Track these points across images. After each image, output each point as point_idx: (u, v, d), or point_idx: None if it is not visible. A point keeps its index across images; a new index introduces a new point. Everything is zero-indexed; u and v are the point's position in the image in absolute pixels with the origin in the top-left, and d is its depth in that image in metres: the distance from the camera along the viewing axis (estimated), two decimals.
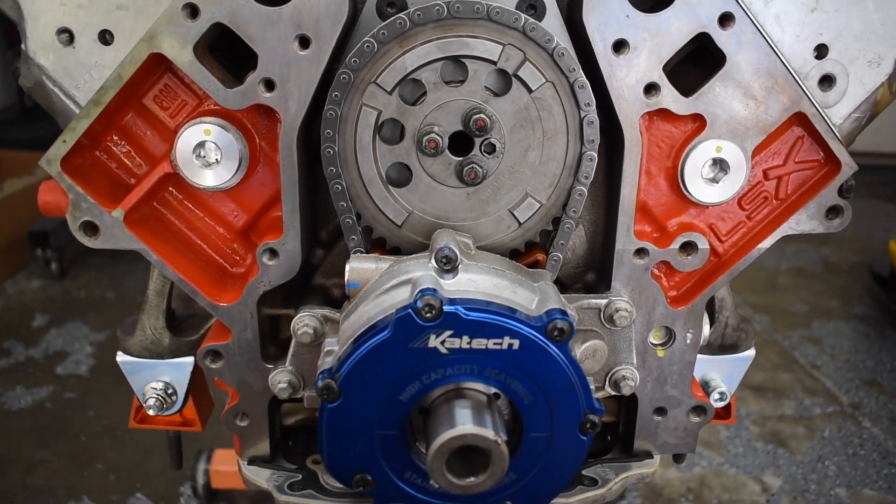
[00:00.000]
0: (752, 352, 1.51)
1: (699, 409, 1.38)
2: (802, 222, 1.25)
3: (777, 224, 1.25)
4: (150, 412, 1.57)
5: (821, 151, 1.23)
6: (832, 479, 4.01)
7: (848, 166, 1.21)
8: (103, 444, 3.89)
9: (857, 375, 4.94)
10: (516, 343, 1.02)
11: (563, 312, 1.04)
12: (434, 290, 1.00)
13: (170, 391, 1.58)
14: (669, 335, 1.31)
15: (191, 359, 1.55)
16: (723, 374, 1.52)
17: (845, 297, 5.90)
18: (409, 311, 1.00)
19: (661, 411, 1.37)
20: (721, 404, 1.54)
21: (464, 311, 1.00)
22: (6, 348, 4.68)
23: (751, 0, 1.12)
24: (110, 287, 5.28)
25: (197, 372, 1.55)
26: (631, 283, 1.24)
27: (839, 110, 1.20)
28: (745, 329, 1.49)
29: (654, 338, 1.32)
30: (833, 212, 1.24)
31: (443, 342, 1.02)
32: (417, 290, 1.01)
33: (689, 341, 1.31)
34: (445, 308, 1.00)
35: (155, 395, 1.56)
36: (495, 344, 1.02)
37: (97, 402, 4.18)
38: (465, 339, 1.02)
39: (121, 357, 1.56)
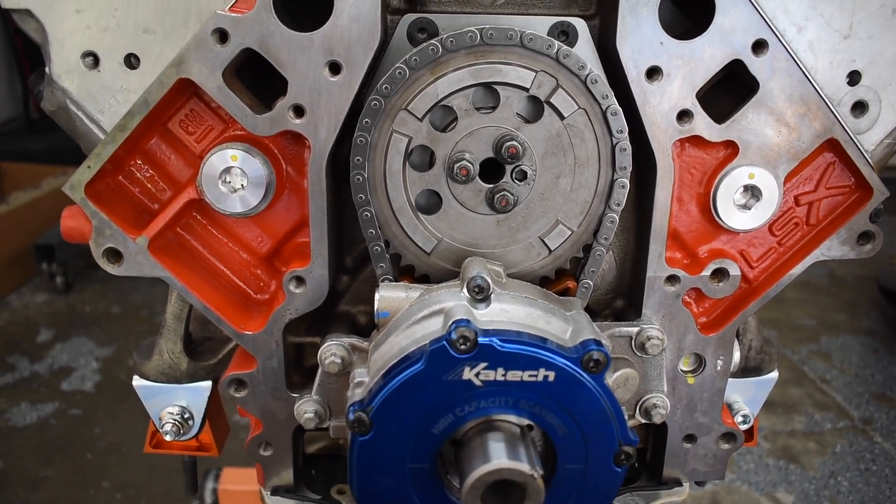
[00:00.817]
0: (775, 374, 1.49)
1: (729, 436, 1.36)
2: (834, 248, 1.23)
3: (808, 250, 1.23)
4: (167, 437, 1.55)
5: (852, 177, 1.22)
6: (845, 496, 3.98)
7: (880, 192, 1.19)
8: (109, 462, 3.87)
9: (867, 390, 4.92)
10: (552, 375, 1.01)
11: (599, 343, 1.03)
12: (468, 322, 0.98)
13: (186, 416, 1.56)
14: (700, 362, 1.29)
15: (208, 383, 1.53)
16: (746, 397, 1.51)
17: (853, 311, 5.88)
18: (444, 342, 0.98)
19: (690, 438, 1.35)
20: (745, 427, 1.53)
21: (499, 342, 0.98)
22: (11, 363, 4.66)
23: (784, 27, 1.11)
24: (116, 302, 5.27)
25: (214, 396, 1.53)
26: (661, 309, 1.23)
27: (871, 136, 1.19)
28: (769, 351, 1.47)
29: (684, 364, 1.30)
30: (864, 237, 1.22)
31: (477, 374, 1.00)
32: (451, 321, 0.99)
33: (719, 368, 1.29)
34: (480, 340, 0.98)
35: (172, 420, 1.54)
36: (530, 376, 1.00)
37: (103, 419, 4.16)
38: (500, 371, 1.00)
39: (137, 381, 1.55)
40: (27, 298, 5.44)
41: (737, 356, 1.32)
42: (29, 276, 5.59)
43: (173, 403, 1.55)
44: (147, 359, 1.53)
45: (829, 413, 4.64)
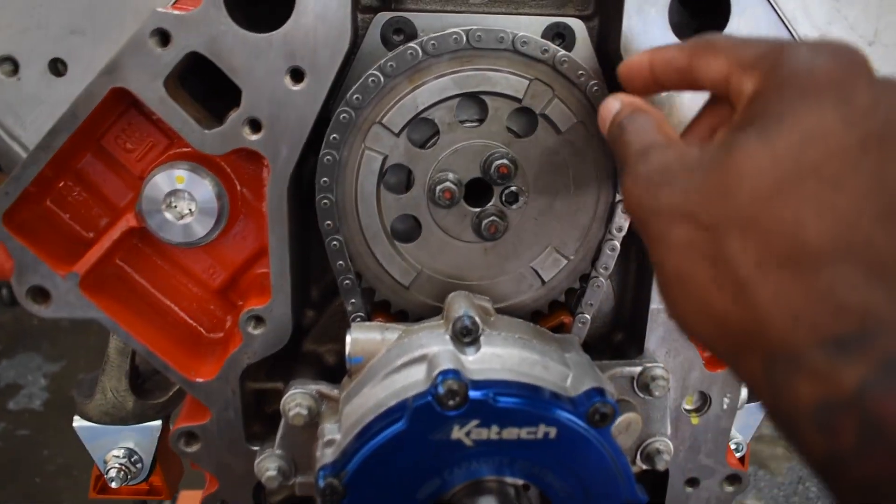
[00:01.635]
0: None
1: (734, 478, 1.24)
2: None
3: None
4: (113, 484, 1.41)
5: None
6: (813, 501, 3.95)
7: None
8: (59, 486, 3.65)
9: None
10: (553, 431, 0.87)
11: (604, 392, 0.89)
12: (457, 373, 0.84)
13: (134, 458, 1.41)
14: (705, 400, 1.17)
15: (158, 423, 1.39)
16: (738, 424, 1.41)
17: None
18: (429, 398, 0.83)
19: (693, 482, 1.22)
20: (738, 455, 1.43)
21: (493, 397, 0.84)
22: None
23: (806, 32, 0.99)
24: None
25: (164, 435, 1.38)
26: (665, 345, 1.10)
27: None
28: None
29: (688, 403, 1.18)
30: None
31: (468, 433, 0.86)
32: (437, 372, 0.85)
33: (725, 407, 1.17)
34: (471, 394, 0.84)
35: (118, 465, 1.40)
36: (529, 433, 0.87)
37: (52, 439, 3.93)
38: (495, 428, 0.86)
39: (78, 422, 1.39)
40: None
41: (744, 393, 1.20)
42: None
43: (119, 446, 1.40)
44: (88, 398, 1.37)
45: None
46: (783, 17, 0.96)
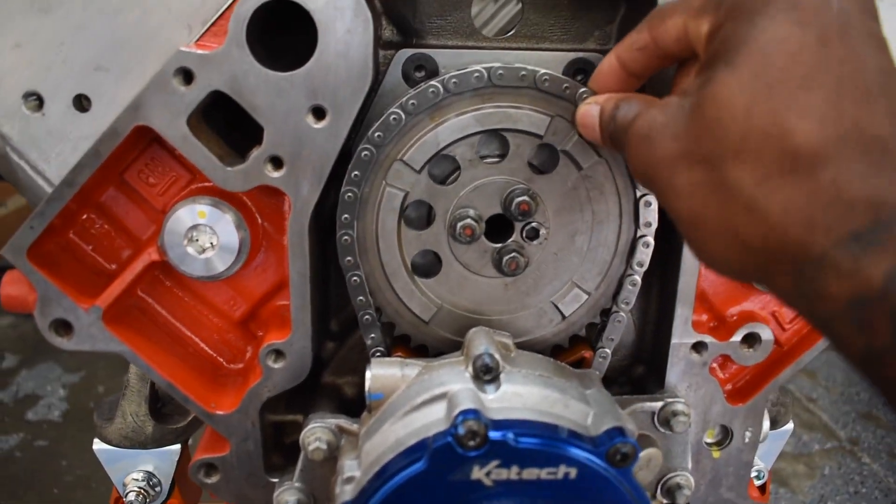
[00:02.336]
0: (790, 426, 1.38)
1: None
2: None
3: None
4: None
5: None
6: None
7: None
8: (77, 497, 3.67)
9: (853, 409, 4.85)
10: (573, 472, 0.86)
11: (624, 431, 0.89)
12: (476, 413, 0.84)
13: (153, 482, 1.42)
14: (726, 434, 1.16)
15: (177, 447, 1.39)
16: (760, 451, 1.39)
17: None
18: (449, 439, 0.83)
19: None
20: (759, 483, 1.41)
21: (513, 437, 0.84)
22: None
23: None
24: None
25: (184, 459, 1.39)
26: (686, 379, 1.09)
27: None
28: (784, 402, 1.35)
29: (709, 436, 1.17)
30: None
31: (488, 474, 0.85)
32: (457, 412, 0.84)
33: (747, 440, 1.16)
34: (491, 435, 0.83)
35: (137, 489, 1.40)
36: (549, 474, 0.86)
37: (70, 450, 3.95)
38: (515, 469, 0.85)
39: (98, 445, 1.40)
40: None
41: (766, 426, 1.19)
42: None
43: (138, 469, 1.41)
44: (108, 421, 1.38)
45: (816, 433, 4.56)
46: None
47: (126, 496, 1.40)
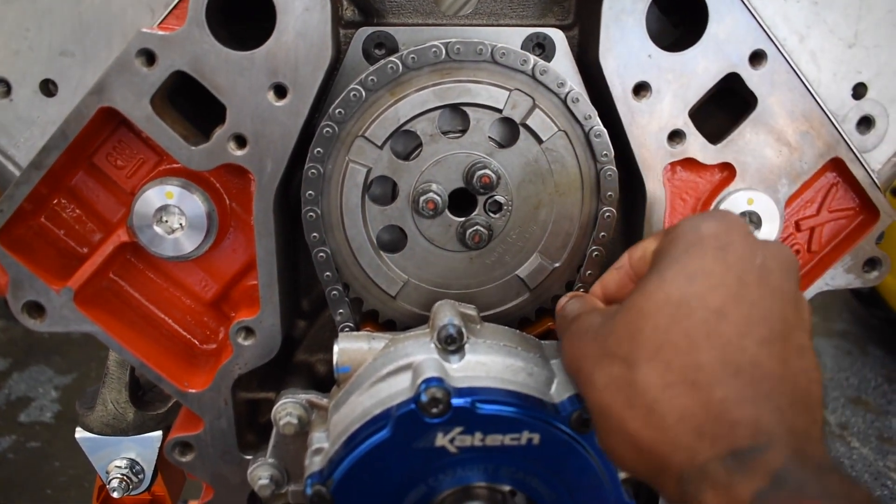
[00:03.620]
0: None
1: None
2: (838, 277, 1.12)
3: (811, 280, 1.12)
4: (115, 494, 1.42)
5: (856, 198, 1.11)
6: None
7: (887, 214, 1.08)
8: (70, 497, 3.68)
9: (842, 394, 4.87)
10: (536, 437, 0.88)
11: None
12: (440, 380, 0.85)
13: (136, 469, 1.43)
14: None
15: (158, 433, 1.40)
16: None
17: (824, 314, 5.83)
18: (412, 406, 0.85)
19: None
20: None
21: (475, 404, 0.86)
22: None
23: (784, 36, 1.00)
24: None
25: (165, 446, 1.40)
26: None
27: (878, 155, 1.08)
28: None
29: None
30: (870, 264, 1.11)
31: (452, 440, 0.87)
32: (420, 380, 0.86)
33: None
34: (454, 402, 0.85)
35: (119, 476, 1.41)
36: (513, 440, 0.88)
37: (63, 451, 3.96)
38: (478, 435, 0.87)
39: (80, 434, 1.41)
40: None
41: None
42: None
43: (121, 456, 1.42)
44: (90, 409, 1.39)
45: None
46: (761, 23, 0.97)
47: (109, 483, 1.41)
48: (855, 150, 1.04)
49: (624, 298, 0.77)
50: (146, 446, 1.40)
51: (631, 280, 0.87)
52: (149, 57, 0.90)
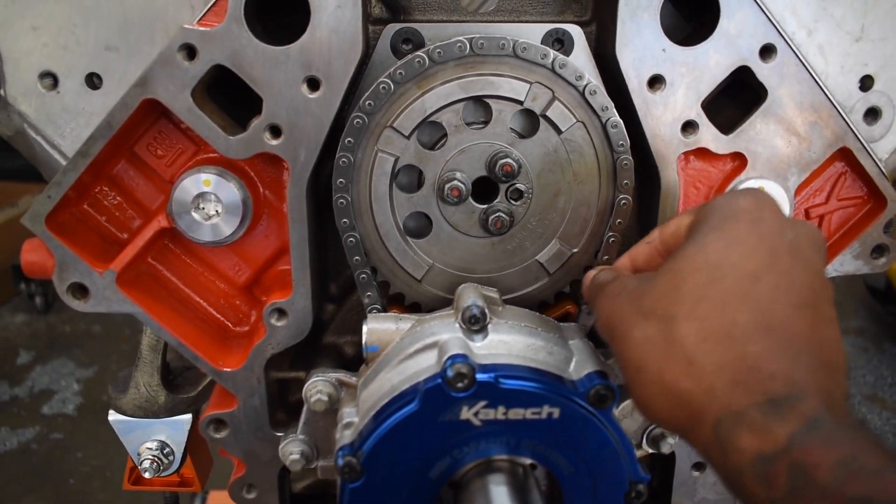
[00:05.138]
0: None
1: None
2: (846, 263, 1.16)
3: None
4: (146, 475, 1.47)
5: (864, 187, 1.15)
6: None
7: (894, 202, 1.12)
8: (93, 487, 3.76)
9: (859, 391, 4.87)
10: (556, 412, 0.93)
11: (605, 375, 0.95)
12: (465, 357, 0.90)
13: (166, 451, 1.48)
14: None
15: (188, 416, 1.45)
16: None
17: (841, 311, 5.76)
18: (439, 380, 0.90)
19: (699, 466, 1.27)
20: None
21: (499, 378, 0.90)
22: None
23: (793, 30, 1.04)
24: (96, 321, 5.13)
25: (195, 429, 1.45)
26: None
27: (885, 144, 1.12)
28: None
29: None
30: (878, 251, 1.15)
31: (476, 414, 0.92)
32: (446, 357, 0.91)
33: None
34: (478, 376, 0.90)
35: (151, 457, 1.46)
36: (534, 414, 0.93)
37: (85, 443, 4.04)
38: (501, 409, 0.92)
39: (113, 416, 1.46)
40: (6, 320, 5.30)
41: None
42: (7, 296, 5.45)
43: (152, 438, 1.47)
44: (123, 392, 1.45)
45: None
46: (771, 18, 1.01)
47: (141, 464, 1.47)
48: (862, 140, 1.08)
49: (652, 271, 0.82)
50: (176, 429, 1.45)
51: (660, 255, 0.91)
52: (190, 51, 0.96)
